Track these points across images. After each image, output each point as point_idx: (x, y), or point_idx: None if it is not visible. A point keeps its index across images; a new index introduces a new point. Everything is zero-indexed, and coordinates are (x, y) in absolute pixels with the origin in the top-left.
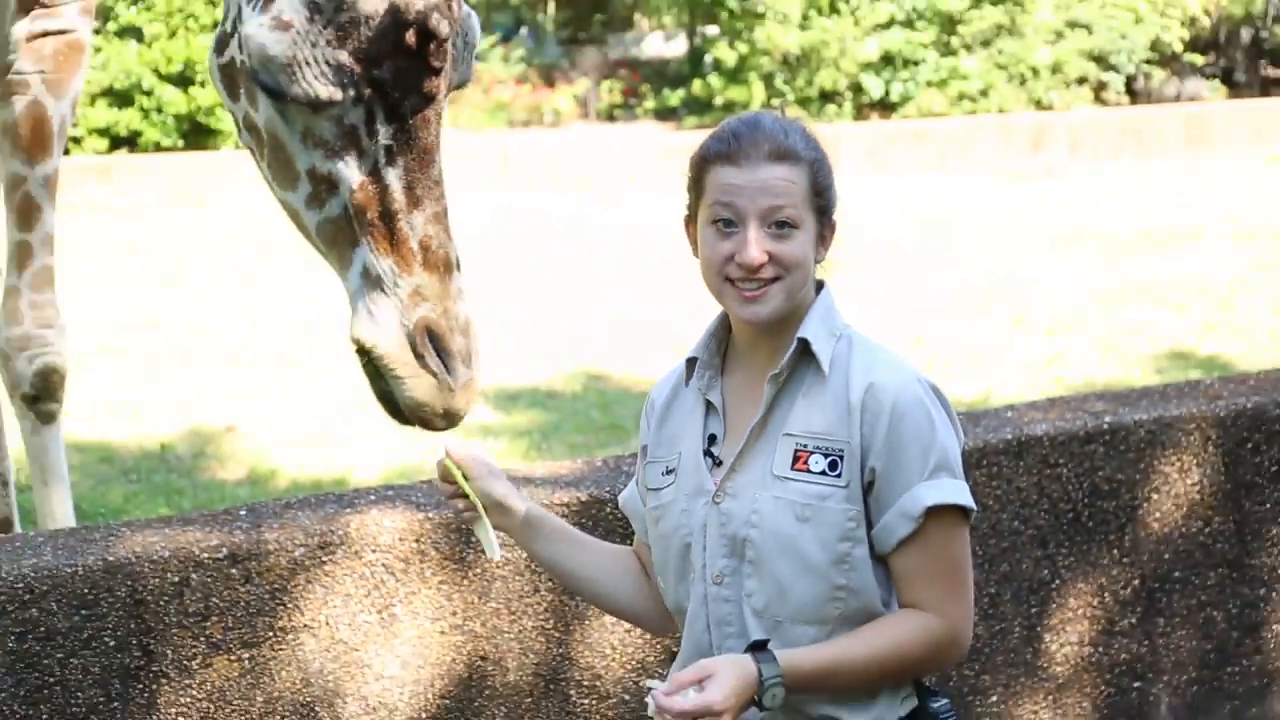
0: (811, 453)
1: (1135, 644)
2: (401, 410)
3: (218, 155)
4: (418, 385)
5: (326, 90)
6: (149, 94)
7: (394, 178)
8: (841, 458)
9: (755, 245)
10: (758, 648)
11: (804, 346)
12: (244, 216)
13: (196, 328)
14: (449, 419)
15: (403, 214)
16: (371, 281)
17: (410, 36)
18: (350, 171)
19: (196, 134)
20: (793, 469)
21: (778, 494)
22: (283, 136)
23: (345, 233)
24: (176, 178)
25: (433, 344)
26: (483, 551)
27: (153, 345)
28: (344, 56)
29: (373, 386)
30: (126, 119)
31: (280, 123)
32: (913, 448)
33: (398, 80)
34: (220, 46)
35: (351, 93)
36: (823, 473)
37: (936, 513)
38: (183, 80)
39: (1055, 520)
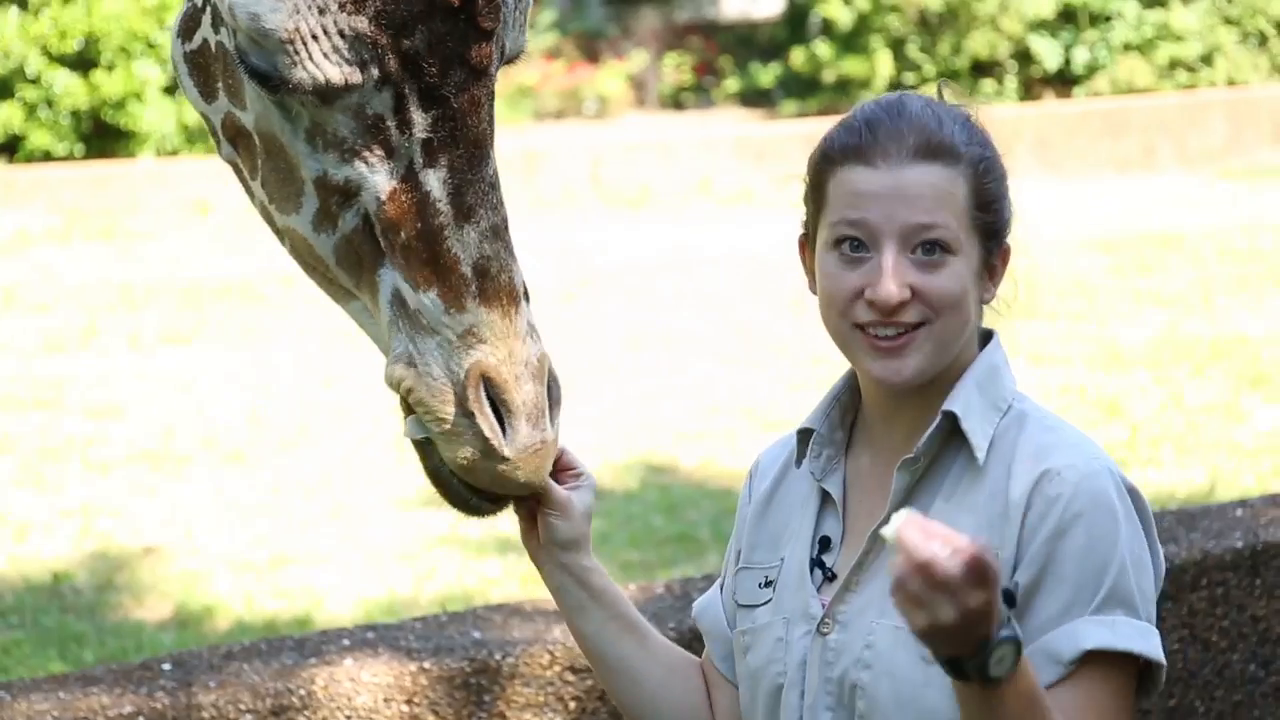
0: None
1: None
2: (456, 491)
3: (132, 167)
4: (464, 443)
5: (340, 71)
6: (35, 82)
7: (436, 181)
8: None
9: (893, 276)
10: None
11: (951, 423)
12: (170, 254)
13: (103, 409)
14: (502, 496)
15: (450, 230)
16: (409, 314)
17: None
18: (377, 178)
19: (103, 137)
20: None
21: (900, 624)
22: (281, 139)
23: (370, 249)
24: (75, 198)
25: (489, 397)
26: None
27: (43, 433)
28: (363, 24)
29: (422, 461)
30: (5, 116)
31: (278, 121)
32: (1082, 563)
33: (435, 50)
34: (187, 29)
35: (374, 72)
36: None
37: (1098, 660)
38: (84, 63)
39: None
